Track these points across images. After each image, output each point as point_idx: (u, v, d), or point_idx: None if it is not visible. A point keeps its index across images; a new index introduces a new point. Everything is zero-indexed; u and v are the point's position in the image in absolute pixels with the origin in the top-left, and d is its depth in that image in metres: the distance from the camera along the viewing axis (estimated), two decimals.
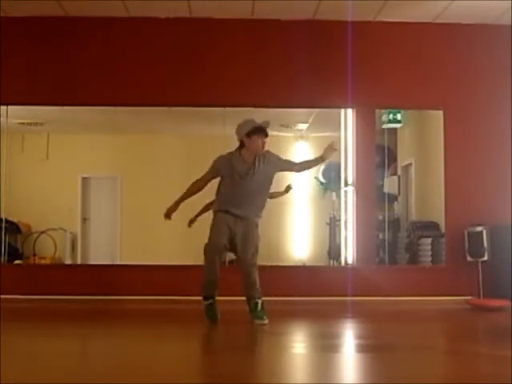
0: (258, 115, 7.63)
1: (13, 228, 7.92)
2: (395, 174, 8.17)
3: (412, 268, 7.41)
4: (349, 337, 4.82)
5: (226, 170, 5.03)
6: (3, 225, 7.28)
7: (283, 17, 6.98)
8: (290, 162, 5.24)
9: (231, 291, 6.58)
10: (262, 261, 7.41)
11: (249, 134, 4.98)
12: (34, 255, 8.20)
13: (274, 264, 7.26)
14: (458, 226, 6.87)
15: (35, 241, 8.27)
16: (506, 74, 7.06)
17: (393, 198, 8.01)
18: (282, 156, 5.21)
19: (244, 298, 5.02)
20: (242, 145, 5.05)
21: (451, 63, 7.18)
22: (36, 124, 8.25)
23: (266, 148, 5.06)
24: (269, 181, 5.11)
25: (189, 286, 5.38)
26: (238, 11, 6.87)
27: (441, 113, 7.14)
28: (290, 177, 6.45)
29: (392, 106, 7.48)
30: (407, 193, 8.16)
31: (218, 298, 5.17)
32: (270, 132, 5.05)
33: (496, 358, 3.54)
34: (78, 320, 5.40)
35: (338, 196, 7.74)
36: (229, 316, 5.71)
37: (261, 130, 4.99)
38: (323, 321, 5.48)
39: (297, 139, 8.60)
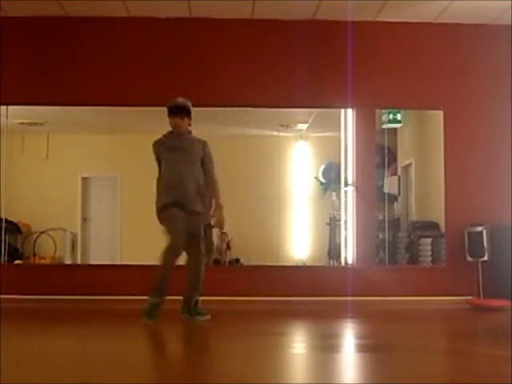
0: (258, 115, 7.71)
1: (13, 228, 7.93)
2: (395, 174, 8.17)
3: (412, 268, 7.42)
4: (349, 337, 4.82)
5: (162, 150, 5.12)
6: (3, 225, 7.28)
7: (283, 17, 6.98)
8: (209, 161, 5.16)
9: (230, 291, 6.60)
10: (262, 261, 7.45)
11: (167, 114, 5.16)
12: (34, 255, 8.21)
13: (274, 264, 7.28)
14: (458, 225, 6.87)
15: (35, 241, 8.28)
16: (506, 73, 7.06)
17: (393, 198, 8.02)
18: (208, 149, 5.20)
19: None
20: None
21: (451, 63, 7.18)
22: (36, 124, 8.26)
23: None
24: (199, 160, 5.12)
25: None
26: (238, 11, 6.87)
27: (441, 113, 7.14)
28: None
29: (392, 105, 7.49)
30: (407, 193, 8.17)
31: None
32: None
33: (496, 358, 3.54)
34: (78, 320, 5.40)
35: (338, 196, 7.74)
36: (227, 316, 5.72)
37: (172, 110, 5.13)
38: (323, 321, 5.48)
39: (297, 139, 8.61)
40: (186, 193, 5.01)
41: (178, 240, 4.90)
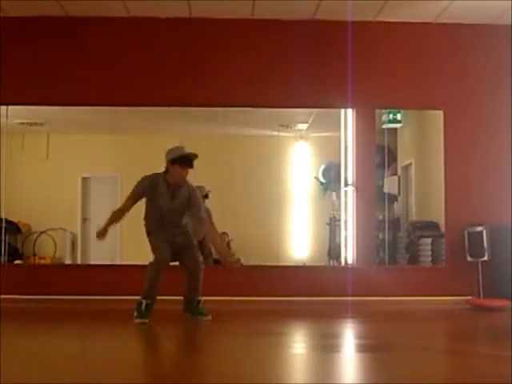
0: (258, 115, 7.71)
1: (13, 228, 7.93)
2: (395, 174, 8.17)
3: (412, 268, 7.41)
4: (349, 337, 4.82)
5: (149, 192, 5.05)
6: (3, 225, 7.27)
7: (283, 17, 6.97)
8: (198, 206, 5.11)
9: (230, 291, 6.60)
10: (262, 261, 7.45)
11: (172, 162, 4.99)
12: (34, 255, 8.21)
13: (274, 264, 7.28)
14: (458, 225, 6.87)
15: (35, 241, 8.28)
16: (506, 73, 7.06)
17: (393, 198, 8.02)
18: (199, 198, 5.18)
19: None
20: (166, 170, 5.06)
21: (451, 63, 7.18)
22: (36, 124, 8.26)
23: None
24: (185, 207, 5.10)
25: None
26: (238, 11, 6.87)
27: (441, 113, 7.14)
28: None
29: (392, 105, 7.48)
30: (407, 193, 8.17)
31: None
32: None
33: (496, 358, 3.54)
34: (78, 320, 5.40)
35: (338, 196, 7.74)
36: (227, 316, 5.72)
37: (185, 161, 4.99)
38: (323, 321, 5.48)
39: (297, 139, 8.61)
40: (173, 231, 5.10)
41: (162, 256, 4.95)
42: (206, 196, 6.55)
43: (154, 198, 5.06)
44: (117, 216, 5.13)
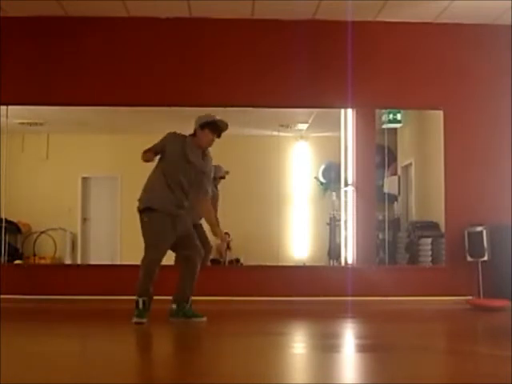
0: (258, 115, 7.71)
1: (13, 228, 7.93)
2: (395, 174, 8.17)
3: (412, 268, 7.42)
4: (349, 337, 4.82)
5: (174, 149, 4.96)
6: (3, 225, 7.28)
7: (283, 17, 6.98)
8: (208, 177, 5.06)
9: (230, 291, 6.60)
10: (262, 261, 7.45)
11: (202, 126, 4.96)
12: (34, 255, 8.21)
13: (274, 264, 7.28)
14: (458, 225, 6.87)
15: (35, 241, 8.28)
16: (506, 73, 7.06)
17: (393, 198, 8.02)
18: (211, 170, 5.14)
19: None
20: (194, 134, 5.01)
21: (451, 63, 7.18)
22: (36, 124, 8.26)
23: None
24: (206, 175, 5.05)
25: None
26: (238, 11, 6.87)
27: (441, 113, 7.14)
28: None
29: (392, 105, 7.49)
30: (407, 193, 8.17)
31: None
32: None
33: (496, 358, 3.54)
34: (78, 320, 5.40)
35: (338, 196, 7.75)
36: (227, 316, 5.72)
37: (215, 127, 4.96)
38: (323, 321, 5.48)
39: (297, 139, 8.61)
40: (179, 203, 4.98)
41: (156, 255, 4.91)
42: (223, 177, 6.50)
43: (179, 154, 4.92)
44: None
